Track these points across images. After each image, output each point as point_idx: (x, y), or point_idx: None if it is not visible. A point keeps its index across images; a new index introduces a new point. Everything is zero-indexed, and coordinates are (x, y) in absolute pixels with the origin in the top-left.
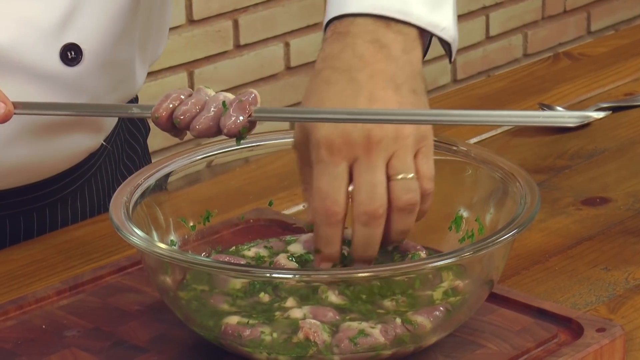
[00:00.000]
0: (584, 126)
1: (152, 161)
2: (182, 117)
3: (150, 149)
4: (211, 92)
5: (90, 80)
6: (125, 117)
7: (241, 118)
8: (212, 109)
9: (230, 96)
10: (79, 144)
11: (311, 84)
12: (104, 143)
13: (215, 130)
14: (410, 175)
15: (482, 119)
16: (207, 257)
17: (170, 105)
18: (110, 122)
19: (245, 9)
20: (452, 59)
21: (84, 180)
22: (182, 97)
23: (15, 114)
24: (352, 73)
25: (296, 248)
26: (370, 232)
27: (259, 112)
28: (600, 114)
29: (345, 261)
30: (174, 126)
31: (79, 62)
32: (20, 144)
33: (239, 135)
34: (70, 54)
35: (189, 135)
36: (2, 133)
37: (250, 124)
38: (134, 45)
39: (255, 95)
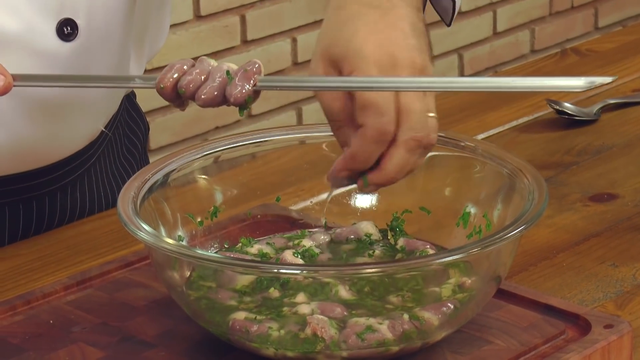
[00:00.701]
0: (592, 122)
1: (150, 160)
2: (186, 87)
3: (155, 146)
4: (214, 63)
5: (86, 58)
6: (129, 88)
7: (247, 87)
8: (217, 78)
9: (234, 66)
10: (79, 129)
11: (336, 17)
12: (104, 130)
13: (220, 100)
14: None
15: (490, 85)
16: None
17: (175, 75)
18: (110, 108)
19: (252, 4)
20: (451, 22)
21: (84, 170)
22: (185, 67)
23: (14, 86)
24: (384, 10)
25: (307, 243)
26: (411, 159)
27: (264, 81)
28: (607, 79)
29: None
30: (179, 96)
31: (74, 37)
32: (20, 127)
33: (244, 104)
34: (67, 29)
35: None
36: (2, 115)
37: (255, 94)
38: (130, 30)
39: (259, 64)
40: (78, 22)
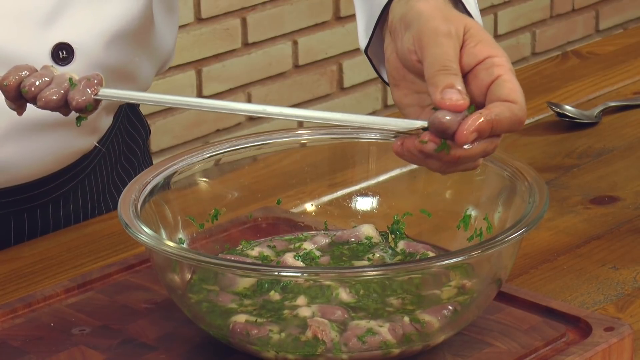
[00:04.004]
0: (592, 125)
1: (154, 162)
2: (30, 87)
3: (155, 149)
4: (56, 71)
5: None
6: None
7: (89, 91)
8: (61, 83)
9: (76, 76)
10: (70, 144)
11: None
12: (98, 145)
13: (62, 104)
14: None
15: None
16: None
17: (20, 74)
18: (105, 124)
19: (253, 7)
20: None
21: (77, 182)
22: (27, 72)
23: None
24: None
25: (308, 246)
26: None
27: (105, 92)
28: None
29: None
30: (21, 96)
31: (70, 61)
32: (9, 143)
33: (84, 109)
34: (62, 53)
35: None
36: None
37: (96, 102)
38: (133, 47)
39: (101, 77)
40: (74, 46)
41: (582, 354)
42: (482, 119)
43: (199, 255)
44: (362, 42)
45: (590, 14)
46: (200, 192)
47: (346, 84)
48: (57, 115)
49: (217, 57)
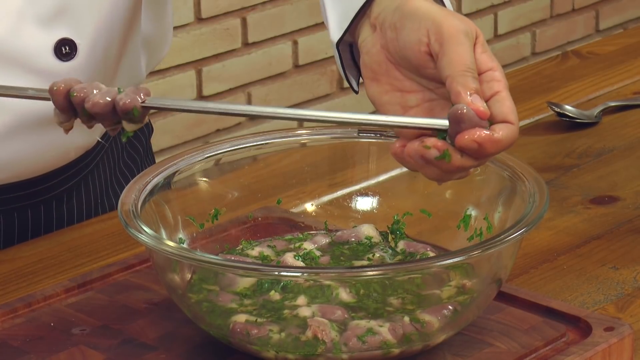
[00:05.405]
0: (592, 125)
1: (156, 161)
2: (79, 91)
3: (156, 149)
4: (103, 86)
5: (84, 76)
6: (23, 98)
7: (136, 97)
8: (111, 91)
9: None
10: (73, 140)
11: None
12: (101, 140)
13: (110, 108)
14: None
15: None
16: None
17: (69, 81)
18: None
19: (253, 7)
20: None
21: (80, 178)
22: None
23: None
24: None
25: (308, 246)
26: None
27: (152, 101)
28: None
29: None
30: (69, 103)
31: (72, 57)
32: (13, 139)
33: (131, 113)
34: (65, 49)
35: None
36: None
37: (143, 110)
38: (132, 43)
39: (149, 89)
40: (77, 41)
41: (582, 353)
42: (488, 134)
43: (199, 255)
44: (335, 35)
45: (590, 14)
46: (201, 192)
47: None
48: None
49: (217, 57)
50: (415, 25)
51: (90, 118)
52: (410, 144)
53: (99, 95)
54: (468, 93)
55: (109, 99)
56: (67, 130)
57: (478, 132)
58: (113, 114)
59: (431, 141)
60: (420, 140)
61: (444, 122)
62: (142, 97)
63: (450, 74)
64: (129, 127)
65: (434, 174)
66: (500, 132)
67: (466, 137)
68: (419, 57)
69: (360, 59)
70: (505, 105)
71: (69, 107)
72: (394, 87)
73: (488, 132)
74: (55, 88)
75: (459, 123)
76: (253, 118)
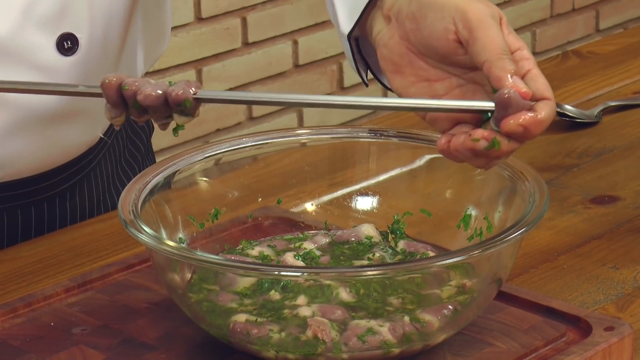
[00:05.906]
0: (592, 124)
1: (157, 161)
2: (131, 84)
3: (156, 148)
4: (153, 81)
5: (85, 71)
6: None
7: (188, 89)
8: (162, 85)
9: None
10: (76, 137)
11: None
12: (103, 136)
13: (162, 101)
14: None
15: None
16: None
17: (121, 75)
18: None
19: (253, 6)
20: None
21: (83, 175)
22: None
23: None
24: None
25: (308, 245)
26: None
27: (204, 93)
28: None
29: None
30: (120, 96)
31: (75, 52)
32: (15, 136)
33: (183, 104)
34: (67, 43)
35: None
36: None
37: (195, 102)
38: (132, 37)
39: (199, 83)
40: (79, 36)
41: (582, 353)
42: (532, 116)
43: (199, 255)
44: (345, 28)
45: (590, 13)
46: (201, 191)
47: (346, 83)
48: (62, 108)
49: (217, 56)
50: (439, 15)
51: (141, 112)
52: (456, 139)
53: (150, 87)
54: (509, 76)
55: (161, 92)
56: (118, 125)
57: (523, 116)
58: (165, 107)
59: (478, 133)
60: (465, 134)
61: (489, 104)
62: (194, 89)
63: (487, 59)
64: (180, 120)
65: (482, 162)
66: (543, 112)
67: (511, 121)
68: (447, 45)
69: (378, 53)
70: (539, 82)
71: (121, 101)
72: (419, 77)
73: (532, 114)
74: (107, 81)
75: (506, 108)
76: (309, 107)
